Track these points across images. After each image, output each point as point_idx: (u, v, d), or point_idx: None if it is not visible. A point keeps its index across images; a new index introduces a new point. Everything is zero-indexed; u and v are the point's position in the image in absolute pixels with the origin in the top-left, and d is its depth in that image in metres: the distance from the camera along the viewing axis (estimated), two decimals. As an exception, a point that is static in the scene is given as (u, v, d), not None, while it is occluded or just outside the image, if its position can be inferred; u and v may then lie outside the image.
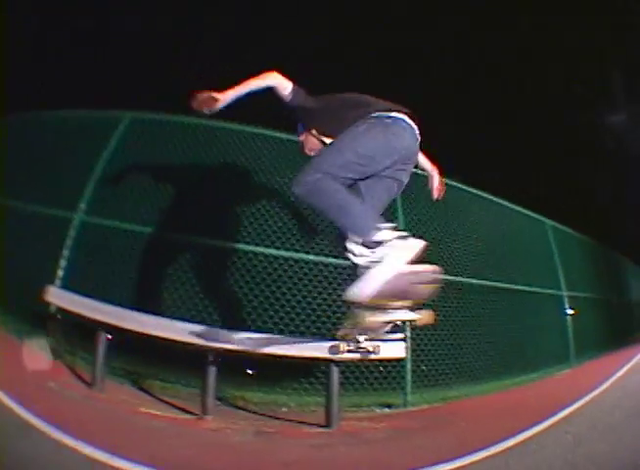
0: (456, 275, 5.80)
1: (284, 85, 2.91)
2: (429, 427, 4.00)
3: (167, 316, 3.89)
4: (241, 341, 3.51)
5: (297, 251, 4.78)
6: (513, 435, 3.33)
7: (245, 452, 2.97)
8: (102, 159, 4.79)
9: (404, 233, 2.34)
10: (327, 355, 3.58)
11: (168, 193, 4.74)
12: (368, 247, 2.31)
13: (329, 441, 3.40)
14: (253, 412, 4.02)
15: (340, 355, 3.42)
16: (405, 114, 2.75)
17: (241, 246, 4.66)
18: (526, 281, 6.82)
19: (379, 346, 3.33)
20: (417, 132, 2.79)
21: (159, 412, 3.46)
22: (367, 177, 2.68)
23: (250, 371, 4.26)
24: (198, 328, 3.56)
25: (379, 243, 2.30)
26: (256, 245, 4.69)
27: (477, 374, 5.73)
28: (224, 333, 3.59)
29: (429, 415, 4.51)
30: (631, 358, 7.31)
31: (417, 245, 2.31)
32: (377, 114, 2.70)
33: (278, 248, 4.72)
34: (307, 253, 4.81)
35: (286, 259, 4.72)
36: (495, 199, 7.03)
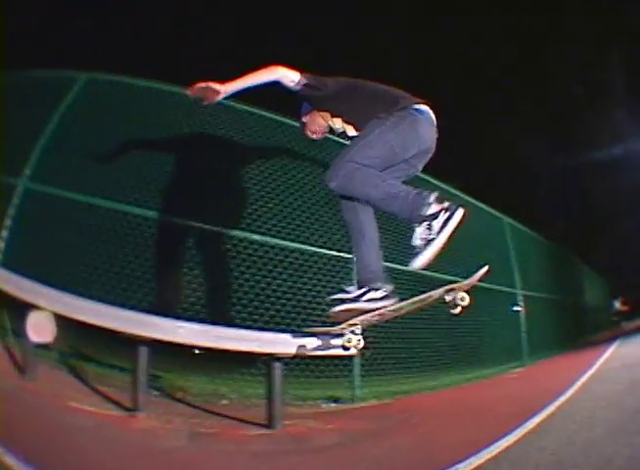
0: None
1: (290, 78, 2.85)
2: (383, 431, 3.66)
3: (108, 299, 3.51)
4: (174, 330, 3.23)
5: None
6: (479, 449, 2.79)
7: (173, 464, 2.57)
8: (52, 121, 4.38)
9: (447, 203, 2.55)
10: (267, 350, 3.36)
11: (122, 161, 4.36)
12: (424, 221, 2.52)
13: (271, 447, 3.08)
14: (192, 405, 3.78)
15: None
16: (426, 105, 2.87)
17: (198, 224, 4.46)
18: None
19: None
20: (434, 119, 2.91)
21: (88, 407, 3.10)
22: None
23: (196, 351, 4.06)
24: (129, 314, 3.24)
25: (431, 216, 2.51)
26: (210, 224, 4.50)
27: (428, 369, 5.74)
28: (158, 322, 3.26)
29: (381, 415, 4.32)
30: (592, 364, 6.94)
31: (460, 215, 2.56)
32: (403, 106, 2.79)
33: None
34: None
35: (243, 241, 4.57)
36: (453, 191, 7.07)
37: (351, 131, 3.02)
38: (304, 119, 3.13)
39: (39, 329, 3.30)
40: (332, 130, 3.17)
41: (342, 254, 5.07)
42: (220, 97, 2.73)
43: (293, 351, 3.32)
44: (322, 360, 4.47)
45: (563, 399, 4.33)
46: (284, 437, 3.32)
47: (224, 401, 4.03)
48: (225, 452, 2.87)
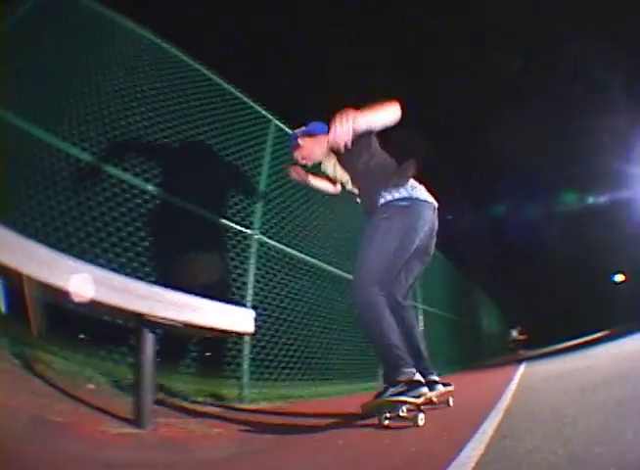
0: (314, 257, 5.77)
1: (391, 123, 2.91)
2: (287, 444, 2.81)
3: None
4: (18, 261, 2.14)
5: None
6: (447, 463, 1.92)
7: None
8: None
9: (418, 379, 2.86)
10: (135, 307, 2.43)
11: (64, 93, 3.90)
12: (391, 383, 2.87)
13: (136, 456, 2.16)
14: (50, 384, 2.89)
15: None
16: (421, 184, 3.02)
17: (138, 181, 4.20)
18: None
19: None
20: (434, 204, 3.05)
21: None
22: None
23: (82, 336, 3.52)
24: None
25: (400, 384, 2.81)
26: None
27: (322, 374, 5.54)
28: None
29: (277, 421, 3.63)
30: (510, 379, 6.51)
31: (423, 395, 2.82)
32: (396, 196, 2.91)
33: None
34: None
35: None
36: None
37: (356, 193, 3.17)
38: (301, 142, 3.09)
39: None
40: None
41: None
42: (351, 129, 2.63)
43: (170, 314, 2.56)
44: (206, 348, 4.10)
45: (502, 405, 3.61)
46: (155, 440, 2.45)
47: (90, 386, 3.31)
48: (69, 456, 1.92)
